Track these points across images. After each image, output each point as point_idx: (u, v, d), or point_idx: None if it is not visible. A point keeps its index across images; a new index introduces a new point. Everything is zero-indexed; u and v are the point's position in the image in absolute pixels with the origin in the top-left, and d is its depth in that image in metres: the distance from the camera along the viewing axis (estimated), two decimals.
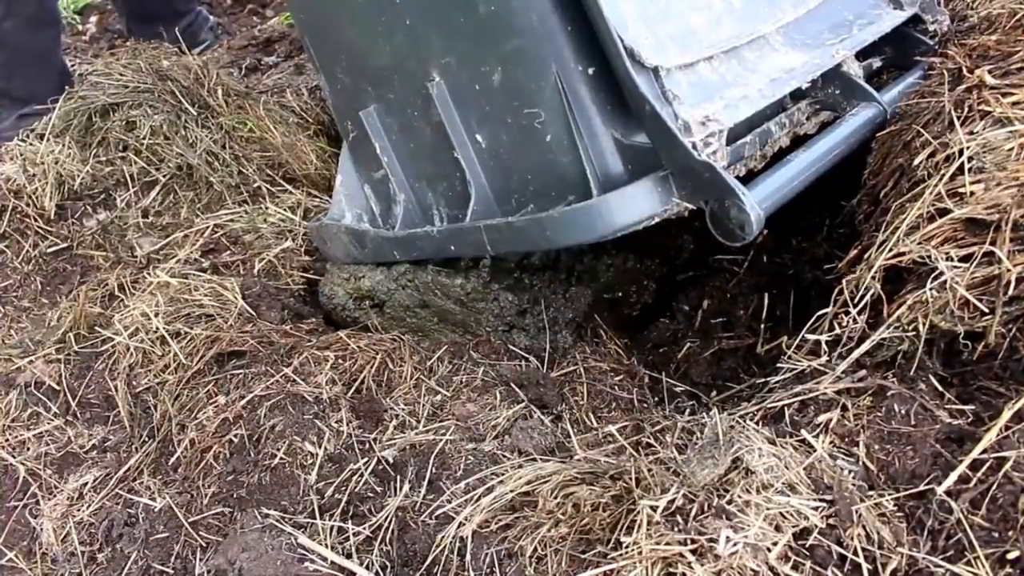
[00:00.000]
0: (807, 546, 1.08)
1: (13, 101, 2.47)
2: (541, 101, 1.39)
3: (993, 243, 1.22)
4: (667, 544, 1.08)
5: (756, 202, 1.21)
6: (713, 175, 1.23)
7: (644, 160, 1.33)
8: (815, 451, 1.19)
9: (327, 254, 1.99)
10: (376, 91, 1.67)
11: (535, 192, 1.48)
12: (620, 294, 1.99)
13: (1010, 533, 1.04)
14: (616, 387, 1.68)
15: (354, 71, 1.70)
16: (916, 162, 1.41)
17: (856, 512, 1.09)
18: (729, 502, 1.11)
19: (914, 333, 1.26)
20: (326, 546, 1.36)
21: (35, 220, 2.19)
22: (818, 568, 1.06)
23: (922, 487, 1.12)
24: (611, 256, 1.95)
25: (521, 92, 1.41)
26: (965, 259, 1.24)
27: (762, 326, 1.62)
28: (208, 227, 2.13)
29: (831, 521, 1.10)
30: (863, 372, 1.29)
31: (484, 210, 1.55)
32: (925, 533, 1.08)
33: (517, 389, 1.61)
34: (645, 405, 1.64)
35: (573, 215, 1.36)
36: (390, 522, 1.37)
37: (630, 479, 1.20)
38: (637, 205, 1.31)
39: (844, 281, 1.41)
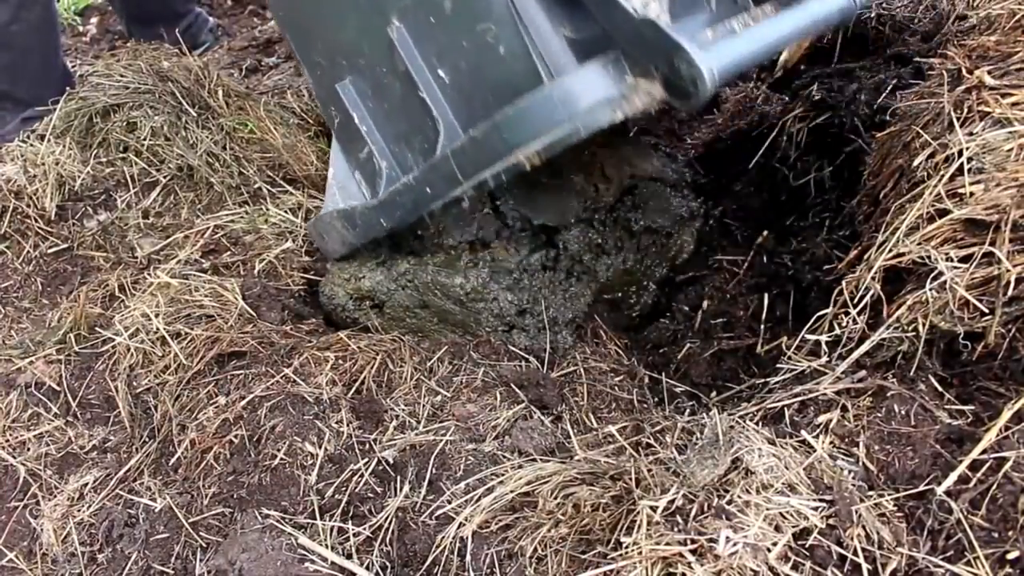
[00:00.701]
0: (807, 546, 1.08)
1: (17, 104, 2.48)
2: (490, 14, 1.41)
3: (993, 243, 1.22)
4: (667, 544, 1.08)
5: (708, 59, 1.21)
6: (656, 33, 1.22)
7: (596, 52, 1.34)
8: (815, 451, 1.19)
9: (325, 250, 2.00)
10: (349, 61, 1.73)
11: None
12: (620, 294, 1.99)
13: (1010, 533, 1.04)
14: (616, 388, 1.68)
15: (329, 49, 1.77)
16: (916, 163, 1.41)
17: (856, 512, 1.09)
18: (729, 502, 1.11)
19: (914, 333, 1.26)
20: (326, 547, 1.36)
21: (36, 221, 2.19)
22: (818, 568, 1.06)
23: (922, 487, 1.13)
24: (610, 256, 1.96)
25: (471, 10, 1.44)
26: (965, 259, 1.25)
27: (762, 327, 1.62)
28: (208, 228, 2.13)
29: (831, 521, 1.10)
30: (863, 373, 1.30)
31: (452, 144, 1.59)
32: (925, 533, 1.08)
33: (517, 390, 1.62)
34: (645, 406, 1.64)
35: (527, 107, 1.35)
36: (390, 522, 1.37)
37: (630, 479, 1.20)
38: (591, 87, 1.30)
39: (844, 282, 1.41)
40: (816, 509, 1.11)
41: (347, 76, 1.76)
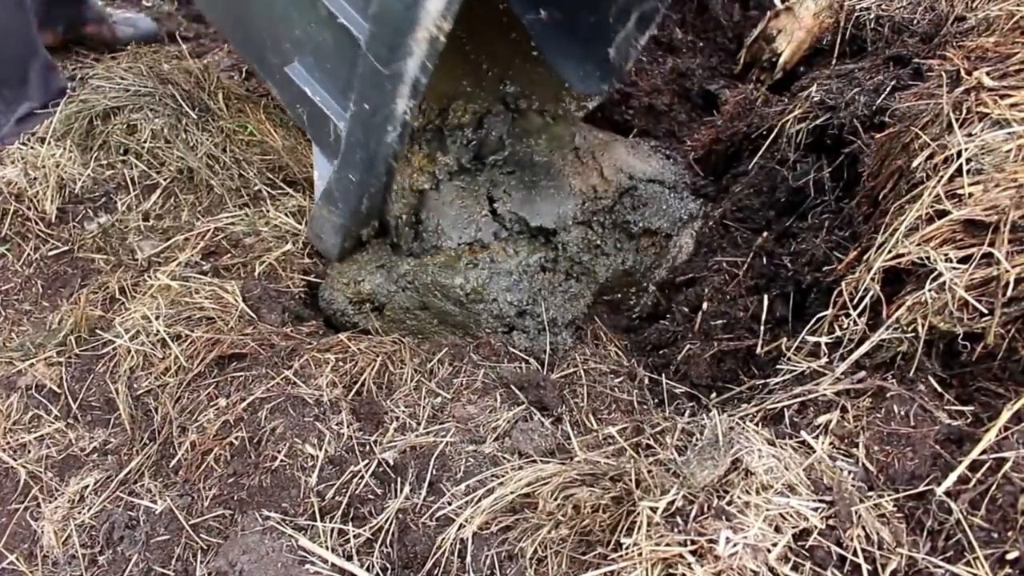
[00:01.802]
0: (807, 547, 1.08)
1: (8, 105, 2.42)
2: None
3: (992, 244, 1.22)
4: (667, 545, 1.08)
5: None
6: None
7: None
8: (815, 452, 1.19)
9: (326, 250, 2.00)
10: (291, 41, 1.77)
11: None
12: (619, 296, 1.99)
13: (1009, 533, 1.05)
14: (616, 389, 1.68)
15: (275, 43, 1.81)
16: (915, 164, 1.42)
17: (856, 513, 1.09)
18: (729, 503, 1.12)
19: (913, 334, 1.26)
20: (327, 548, 1.36)
21: (36, 223, 2.19)
22: (818, 569, 1.06)
23: (921, 488, 1.13)
24: (609, 257, 1.96)
25: None
26: (964, 260, 1.25)
27: (762, 328, 1.62)
28: (209, 230, 2.13)
29: (831, 522, 1.10)
30: (863, 373, 1.30)
31: None
32: (925, 534, 1.08)
33: (517, 391, 1.62)
34: (645, 407, 1.64)
35: None
36: (391, 524, 1.37)
37: (630, 480, 1.20)
38: None
39: (843, 283, 1.41)
40: (816, 510, 1.11)
41: (294, 57, 1.79)
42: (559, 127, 2.19)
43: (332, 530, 1.39)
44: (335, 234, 1.92)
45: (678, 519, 1.12)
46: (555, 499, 1.26)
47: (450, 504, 1.36)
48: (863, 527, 1.08)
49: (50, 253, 2.17)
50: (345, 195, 1.81)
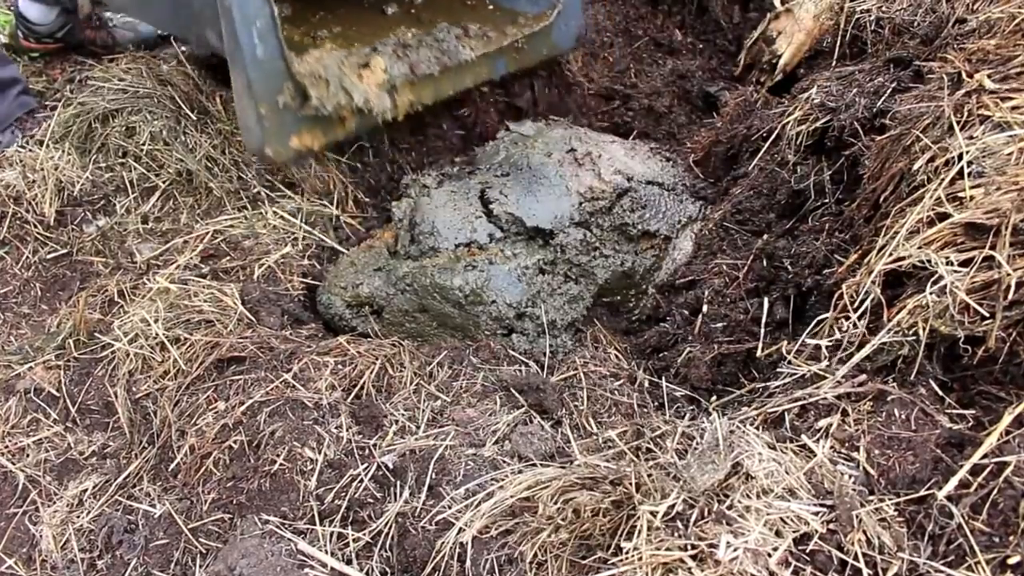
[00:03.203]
0: (808, 551, 1.07)
1: None
2: None
3: (993, 247, 1.22)
4: (667, 549, 1.08)
5: None
6: None
7: None
8: (815, 456, 1.19)
9: (252, 137, 1.89)
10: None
11: None
12: (619, 298, 1.99)
13: (1011, 538, 1.04)
14: (616, 392, 1.68)
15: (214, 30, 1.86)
16: (916, 166, 1.41)
17: (857, 517, 1.09)
18: (729, 507, 1.11)
19: (914, 338, 1.25)
20: (326, 552, 1.35)
21: (35, 226, 2.19)
22: (819, 573, 1.06)
23: (923, 492, 1.12)
24: (608, 259, 1.95)
25: None
26: (965, 263, 1.24)
27: (762, 330, 1.62)
28: (208, 232, 2.13)
29: (832, 526, 1.09)
30: (863, 377, 1.29)
31: None
32: (926, 538, 1.08)
33: (517, 394, 1.61)
34: (645, 410, 1.64)
35: None
36: (390, 528, 1.37)
37: (630, 484, 1.20)
38: None
39: (844, 286, 1.40)
40: (817, 514, 1.10)
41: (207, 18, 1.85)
42: (556, 130, 2.19)
43: (331, 534, 1.39)
44: (247, 99, 1.81)
45: (678, 523, 1.12)
46: (555, 503, 1.25)
47: (449, 508, 1.36)
48: (864, 531, 1.08)
49: (49, 256, 2.17)
50: (222, 37, 1.78)
